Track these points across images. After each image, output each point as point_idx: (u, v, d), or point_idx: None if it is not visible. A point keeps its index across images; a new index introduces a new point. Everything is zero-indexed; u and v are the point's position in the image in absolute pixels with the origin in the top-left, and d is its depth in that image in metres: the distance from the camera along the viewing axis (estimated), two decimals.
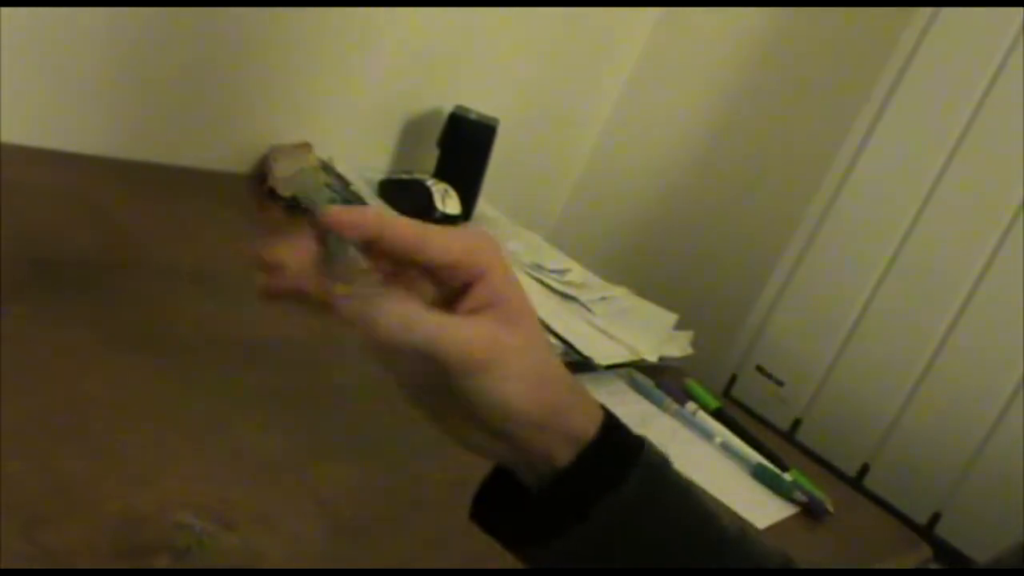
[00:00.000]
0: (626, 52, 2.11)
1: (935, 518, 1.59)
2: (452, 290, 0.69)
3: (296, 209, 1.48)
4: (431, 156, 1.71)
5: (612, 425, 0.72)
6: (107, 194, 1.30)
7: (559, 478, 0.70)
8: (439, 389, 0.68)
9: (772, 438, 1.54)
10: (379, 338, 0.65)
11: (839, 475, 1.61)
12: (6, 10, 1.21)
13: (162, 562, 0.72)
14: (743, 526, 0.79)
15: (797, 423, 1.73)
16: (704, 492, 0.76)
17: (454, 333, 0.65)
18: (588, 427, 0.70)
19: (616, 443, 0.72)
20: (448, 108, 1.71)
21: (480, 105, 1.75)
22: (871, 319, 1.68)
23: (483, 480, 0.76)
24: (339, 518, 0.88)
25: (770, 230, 1.87)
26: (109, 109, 1.38)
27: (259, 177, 1.54)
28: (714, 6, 2.00)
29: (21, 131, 1.28)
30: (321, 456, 0.95)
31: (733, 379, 1.80)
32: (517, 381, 0.67)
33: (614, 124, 2.13)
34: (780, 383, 1.75)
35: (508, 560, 0.88)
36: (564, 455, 0.70)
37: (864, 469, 1.67)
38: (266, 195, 1.50)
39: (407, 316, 0.65)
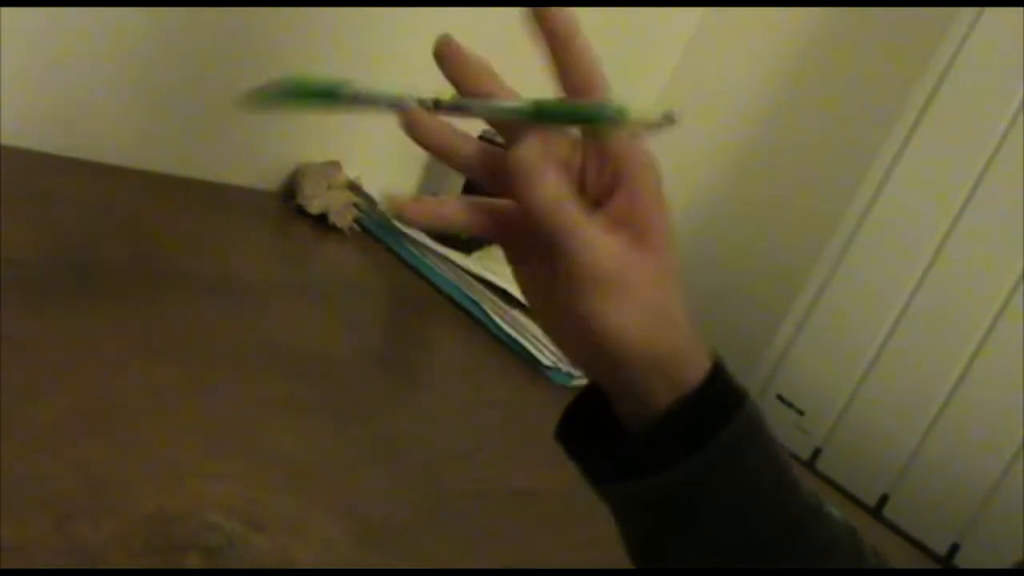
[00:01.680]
0: (652, 78, 2.11)
1: (954, 549, 1.59)
2: (593, 196, 0.67)
3: (323, 227, 1.50)
4: (457, 179, 1.71)
5: (717, 377, 0.69)
6: (141, 205, 1.31)
7: (650, 428, 0.67)
8: (556, 295, 0.66)
9: None
10: (529, 201, 0.64)
11: (859, 505, 1.61)
12: (47, 23, 1.23)
13: (193, 561, 0.73)
14: (821, 498, 0.76)
15: (817, 453, 1.73)
16: (789, 460, 0.74)
17: (591, 237, 0.63)
18: (694, 376, 0.68)
19: (714, 399, 0.68)
20: (476, 131, 1.72)
21: None
22: (892, 350, 1.68)
23: (575, 397, 0.74)
24: (367, 524, 0.89)
25: (792, 261, 1.88)
26: (145, 124, 1.40)
27: (287, 195, 1.55)
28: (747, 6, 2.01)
29: (61, 142, 1.29)
30: (349, 463, 0.96)
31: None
32: (639, 313, 0.65)
33: None
34: (800, 412, 1.75)
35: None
36: (662, 400, 0.67)
37: (883, 499, 1.66)
38: (294, 212, 1.52)
39: (562, 196, 0.64)
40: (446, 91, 0.70)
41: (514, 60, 1.82)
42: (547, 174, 0.64)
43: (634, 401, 0.68)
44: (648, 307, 0.65)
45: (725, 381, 0.70)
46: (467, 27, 1.69)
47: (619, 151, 0.68)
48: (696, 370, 0.68)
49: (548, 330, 0.70)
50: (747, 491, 0.70)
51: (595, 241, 0.63)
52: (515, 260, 0.72)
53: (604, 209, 0.66)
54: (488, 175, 0.70)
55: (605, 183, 0.67)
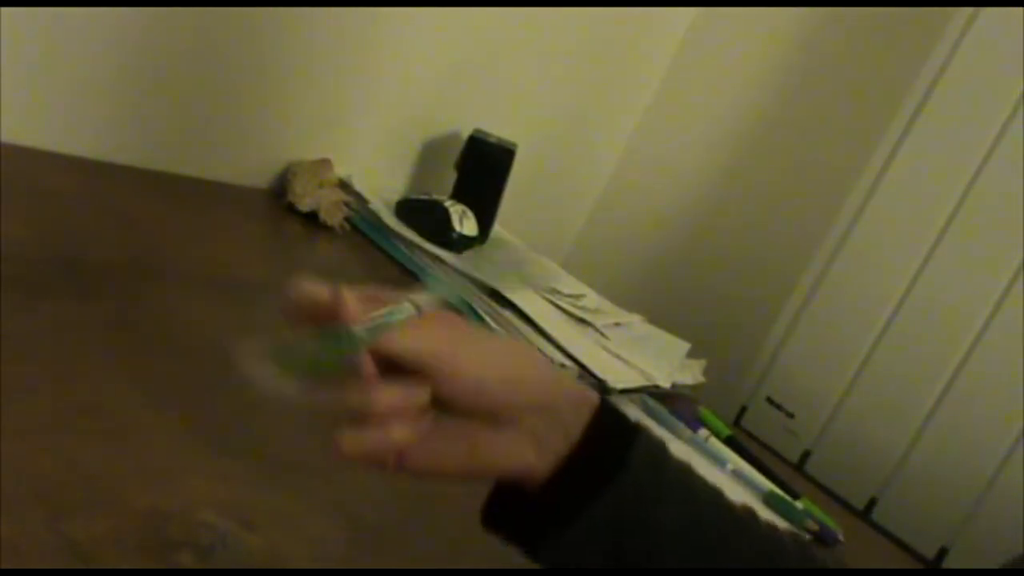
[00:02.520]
0: (645, 82, 2.12)
1: (942, 552, 1.59)
2: None
3: (313, 224, 1.50)
4: (448, 178, 1.71)
5: (606, 414, 0.72)
6: (133, 202, 1.31)
7: (558, 470, 0.70)
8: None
9: (781, 469, 1.54)
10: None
11: (848, 508, 1.61)
12: (38, 22, 1.23)
13: (185, 559, 0.73)
14: (749, 506, 0.79)
15: (806, 455, 1.74)
16: (702, 476, 0.76)
17: (406, 340, 0.69)
18: (580, 417, 0.72)
19: (612, 432, 0.72)
20: (467, 131, 1.72)
21: (499, 129, 1.76)
22: (882, 354, 1.69)
23: (491, 490, 0.76)
24: (359, 522, 0.88)
25: (783, 264, 1.88)
26: (137, 121, 1.40)
27: (278, 192, 1.55)
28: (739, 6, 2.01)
29: (55, 139, 1.29)
30: (341, 462, 0.96)
31: (743, 410, 1.80)
32: (478, 368, 0.69)
33: (631, 154, 2.14)
34: (790, 415, 1.76)
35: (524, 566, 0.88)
36: (560, 446, 0.71)
37: (872, 502, 1.67)
38: (284, 210, 1.51)
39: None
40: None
41: (510, 60, 1.83)
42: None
43: (545, 453, 0.71)
44: (481, 363, 0.70)
45: (615, 415, 0.74)
46: (461, 29, 1.70)
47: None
48: (579, 410, 0.72)
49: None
50: (674, 504, 0.73)
51: (410, 335, 0.70)
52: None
53: None
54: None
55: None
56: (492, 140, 1.71)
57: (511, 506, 0.74)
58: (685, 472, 0.75)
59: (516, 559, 0.78)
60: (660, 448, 0.74)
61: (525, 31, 1.81)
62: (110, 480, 0.77)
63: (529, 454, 0.71)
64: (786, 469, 1.59)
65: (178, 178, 1.44)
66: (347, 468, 0.95)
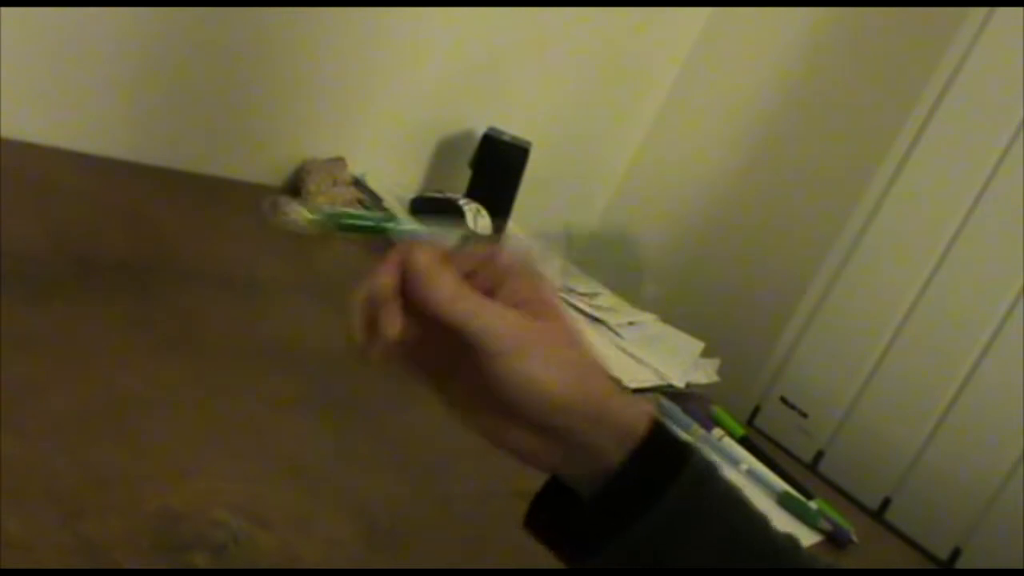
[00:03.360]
0: (659, 80, 2.11)
1: (956, 553, 1.59)
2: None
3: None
4: (463, 176, 1.71)
5: (661, 425, 0.71)
6: (146, 200, 1.31)
7: (616, 473, 0.69)
8: (473, 380, 0.69)
9: (795, 469, 1.53)
10: (431, 301, 0.67)
11: (861, 508, 1.61)
12: (51, 20, 1.23)
13: (199, 558, 0.73)
14: (793, 537, 0.78)
15: (820, 455, 1.73)
16: (751, 501, 0.75)
17: (491, 314, 0.67)
18: (638, 423, 0.70)
19: (667, 442, 0.71)
20: (481, 129, 1.72)
21: (513, 127, 1.76)
22: (896, 354, 1.68)
23: (538, 490, 0.75)
24: (373, 523, 0.88)
25: (797, 263, 1.87)
26: (151, 119, 1.40)
27: (292, 190, 1.55)
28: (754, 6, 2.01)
29: (66, 136, 1.29)
30: (355, 462, 0.96)
31: (756, 410, 1.80)
32: (556, 369, 0.67)
33: (644, 153, 2.14)
34: (804, 415, 1.75)
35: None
36: (616, 451, 0.69)
37: (886, 503, 1.66)
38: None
39: (457, 288, 0.68)
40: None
41: (523, 58, 1.83)
42: (441, 275, 0.68)
43: (591, 463, 0.70)
44: (564, 363, 0.69)
45: (667, 427, 0.72)
46: (474, 27, 1.70)
47: (492, 255, 0.72)
48: (636, 415, 0.71)
49: (493, 436, 0.72)
50: (718, 526, 0.71)
51: (496, 316, 0.67)
52: (441, 382, 0.74)
53: (497, 298, 0.70)
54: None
55: (485, 287, 0.71)
56: (506, 138, 1.71)
57: (555, 513, 0.73)
58: (734, 496, 0.75)
59: (530, 560, 0.78)
60: (711, 469, 0.73)
61: (538, 29, 1.81)
62: (124, 479, 0.77)
63: (555, 458, 0.71)
64: (800, 469, 1.59)
65: (191, 176, 1.44)
66: (361, 468, 0.95)
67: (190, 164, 1.45)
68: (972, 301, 1.61)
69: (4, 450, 0.72)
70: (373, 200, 1.58)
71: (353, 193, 1.55)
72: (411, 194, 1.65)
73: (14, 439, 0.73)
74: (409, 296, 0.69)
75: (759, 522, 0.75)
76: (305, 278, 1.36)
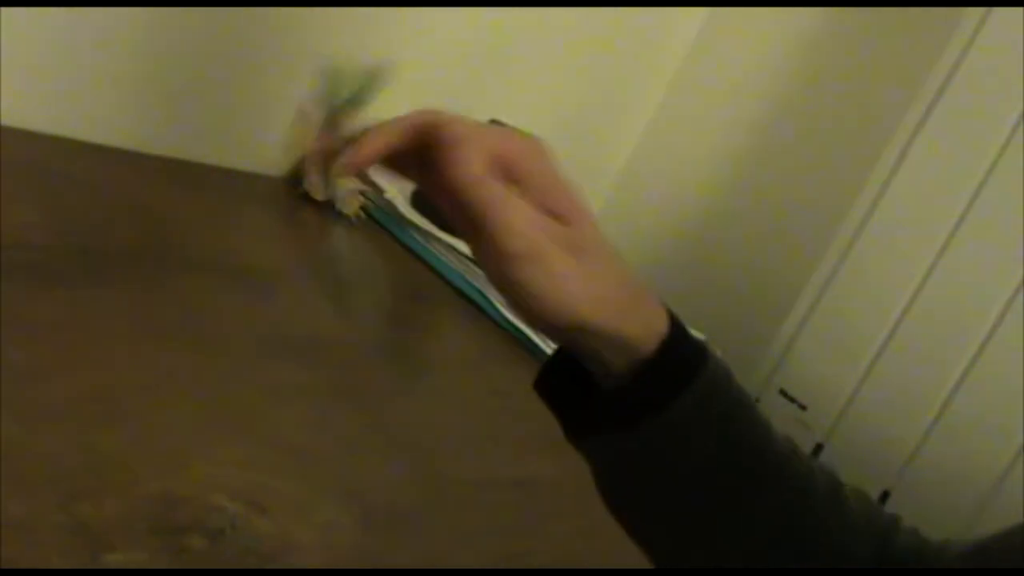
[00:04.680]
0: (660, 72, 2.12)
1: None
2: None
3: (330, 212, 1.50)
4: None
5: (675, 339, 0.72)
6: (148, 190, 1.31)
7: (644, 369, 0.70)
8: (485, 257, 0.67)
9: None
10: (451, 175, 0.64)
11: None
12: (53, 12, 1.23)
13: (196, 542, 0.73)
14: (793, 445, 0.79)
15: (819, 448, 1.73)
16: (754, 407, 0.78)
17: (512, 208, 0.64)
18: (648, 343, 0.70)
19: (688, 343, 0.73)
20: (483, 121, 1.72)
21: (513, 119, 1.76)
22: (895, 346, 1.68)
23: (553, 353, 0.75)
24: (370, 509, 0.89)
25: (797, 255, 1.88)
26: (153, 108, 1.40)
27: (294, 181, 1.55)
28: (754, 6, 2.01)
29: (69, 125, 1.30)
30: (353, 448, 0.96)
31: (755, 401, 1.80)
32: (570, 281, 0.65)
33: (645, 144, 2.14)
34: (803, 407, 1.75)
35: (534, 560, 0.89)
36: (621, 367, 0.70)
37: (885, 495, 1.66)
38: (300, 199, 1.52)
39: (481, 172, 0.64)
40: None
41: (525, 51, 1.83)
42: (474, 150, 0.65)
43: (598, 365, 0.71)
44: (579, 276, 0.66)
45: (683, 343, 0.73)
46: (476, 20, 1.71)
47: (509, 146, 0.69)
48: (651, 336, 0.70)
49: (513, 305, 0.68)
50: (719, 439, 0.73)
51: (517, 212, 0.64)
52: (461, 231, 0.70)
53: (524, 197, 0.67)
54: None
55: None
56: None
57: (568, 383, 0.74)
58: (744, 397, 0.77)
59: (521, 556, 0.79)
60: (727, 371, 0.76)
61: (540, 22, 1.81)
62: (122, 464, 0.77)
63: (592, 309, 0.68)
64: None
65: (194, 165, 1.45)
66: (359, 455, 0.96)
67: (192, 154, 1.45)
68: (971, 294, 1.61)
69: (6, 434, 0.72)
70: (375, 191, 1.59)
71: (355, 183, 1.56)
72: (412, 185, 1.65)
73: (15, 423, 0.74)
74: (430, 164, 0.66)
75: (763, 432, 0.77)
76: (304, 266, 1.36)
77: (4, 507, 0.66)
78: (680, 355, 0.72)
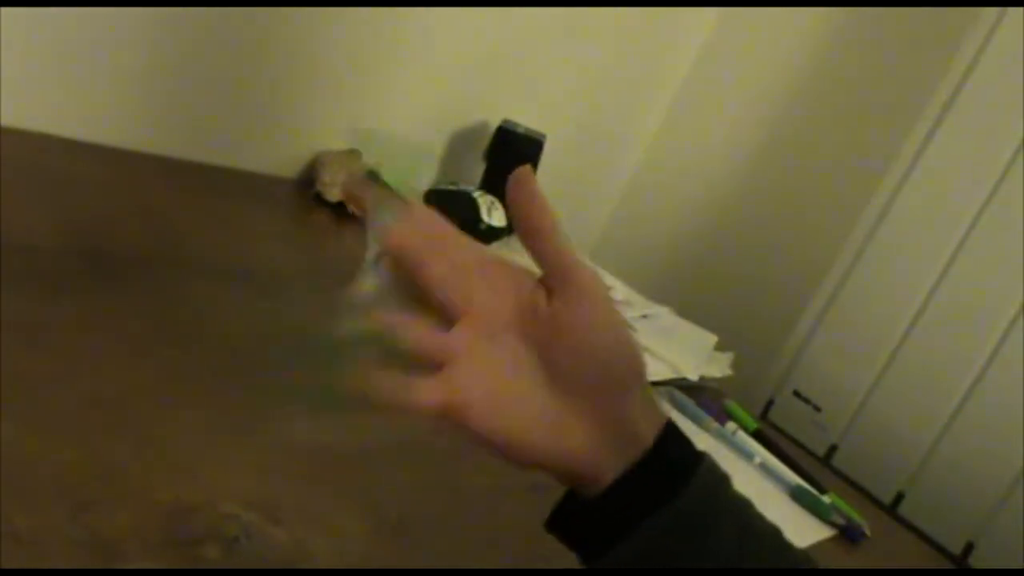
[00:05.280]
0: (673, 73, 2.11)
1: (969, 547, 1.58)
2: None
3: (342, 214, 1.50)
4: (477, 169, 1.71)
5: (669, 438, 0.70)
6: (158, 192, 1.31)
7: (605, 492, 0.69)
8: None
9: (808, 463, 1.53)
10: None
11: (874, 502, 1.61)
12: (60, 11, 1.23)
13: (210, 552, 0.73)
14: (807, 552, 0.78)
15: (833, 449, 1.73)
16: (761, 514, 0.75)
17: (456, 373, 0.68)
18: (647, 435, 0.69)
19: (671, 458, 0.70)
20: (495, 121, 1.72)
21: (527, 120, 1.75)
22: (910, 347, 1.68)
23: (563, 495, 0.75)
24: (384, 517, 0.88)
25: (811, 256, 1.87)
26: (163, 109, 1.40)
27: (306, 182, 1.55)
28: (764, 5, 2.01)
29: (77, 126, 1.29)
30: (368, 456, 0.95)
31: (770, 403, 1.80)
32: (525, 424, 0.67)
33: (658, 145, 2.14)
34: (817, 408, 1.75)
35: (550, 567, 0.88)
36: (615, 468, 0.69)
37: (899, 497, 1.66)
38: (312, 200, 1.51)
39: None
40: None
41: (538, 51, 1.82)
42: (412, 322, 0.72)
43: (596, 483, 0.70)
44: (537, 417, 0.68)
45: (679, 440, 0.72)
46: (489, 19, 1.70)
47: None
48: (647, 428, 0.70)
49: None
50: (721, 539, 0.70)
51: (463, 371, 0.68)
52: None
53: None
54: None
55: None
56: (520, 131, 1.71)
57: (575, 512, 0.73)
58: (744, 506, 0.74)
59: (539, 563, 0.78)
60: (723, 477, 0.73)
61: (553, 22, 1.81)
62: (134, 473, 0.77)
63: (602, 452, 0.69)
64: (813, 463, 1.59)
65: (205, 167, 1.45)
66: (373, 463, 0.95)
67: (204, 155, 1.45)
68: (986, 295, 1.60)
69: (12, 443, 0.72)
70: (387, 192, 1.58)
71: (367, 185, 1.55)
72: (425, 186, 1.65)
73: (23, 432, 0.73)
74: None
75: (773, 531, 0.74)
76: (317, 268, 1.36)
77: (13, 519, 0.65)
78: (680, 450, 0.72)
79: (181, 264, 1.15)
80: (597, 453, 0.68)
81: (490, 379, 0.67)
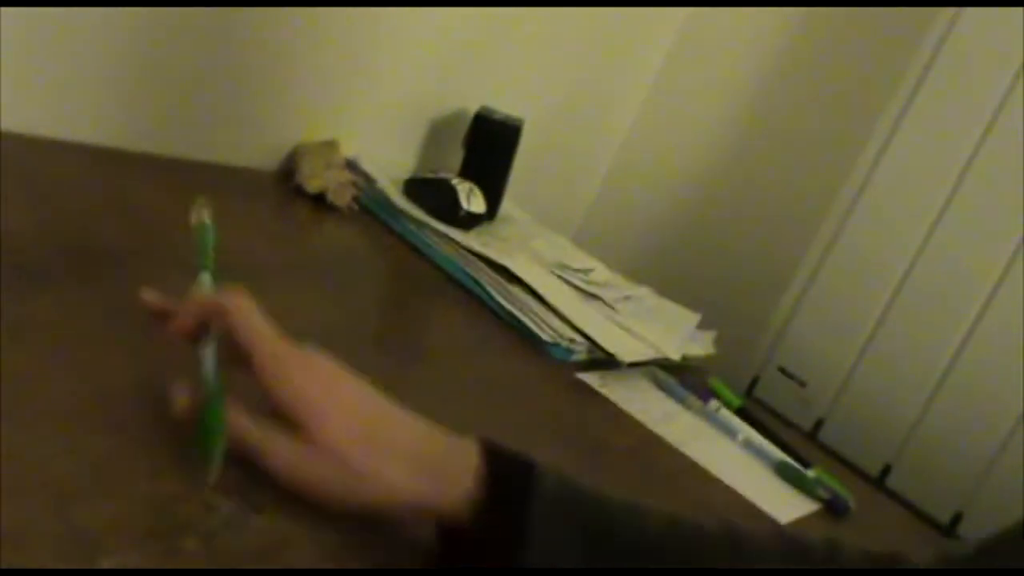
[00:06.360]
0: (651, 55, 2.12)
1: (957, 518, 1.59)
2: None
3: (322, 206, 1.50)
4: (456, 156, 1.71)
5: (494, 453, 0.78)
6: (138, 188, 1.31)
7: (473, 513, 0.76)
8: None
9: (794, 438, 1.54)
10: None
11: (861, 475, 1.62)
12: (30, 11, 1.22)
13: (191, 543, 0.73)
14: (672, 513, 0.80)
15: (819, 423, 1.74)
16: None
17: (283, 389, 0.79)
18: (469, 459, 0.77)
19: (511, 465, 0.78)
20: (473, 108, 1.72)
21: (505, 106, 1.76)
22: (893, 320, 1.69)
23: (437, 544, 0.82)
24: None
25: (792, 232, 1.88)
26: (138, 104, 1.40)
27: (285, 174, 1.55)
28: (738, 5, 2.01)
29: (53, 124, 1.29)
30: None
31: (755, 380, 1.80)
32: (345, 426, 0.78)
33: (639, 126, 2.14)
34: (802, 384, 1.76)
35: None
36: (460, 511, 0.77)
37: (886, 469, 1.67)
38: (292, 192, 1.52)
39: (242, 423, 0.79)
40: None
41: (515, 36, 1.82)
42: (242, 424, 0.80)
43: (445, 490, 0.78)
44: (326, 480, 0.79)
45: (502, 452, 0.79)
46: (455, 8, 1.70)
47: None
48: (461, 475, 0.78)
49: None
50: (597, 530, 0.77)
51: (274, 455, 0.79)
52: None
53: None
54: None
55: None
56: (498, 117, 1.71)
57: (458, 549, 0.79)
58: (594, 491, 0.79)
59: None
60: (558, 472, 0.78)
61: (529, 14, 1.81)
62: (116, 466, 0.77)
63: (421, 485, 0.77)
64: (800, 438, 1.59)
65: (183, 162, 1.44)
66: None
67: (182, 151, 1.45)
68: (967, 266, 1.61)
69: None
70: (367, 182, 1.58)
71: (347, 176, 1.55)
72: (405, 174, 1.65)
73: (5, 427, 0.74)
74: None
75: (633, 516, 0.79)
76: (297, 260, 1.36)
77: None
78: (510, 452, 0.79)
79: (161, 259, 1.15)
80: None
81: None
